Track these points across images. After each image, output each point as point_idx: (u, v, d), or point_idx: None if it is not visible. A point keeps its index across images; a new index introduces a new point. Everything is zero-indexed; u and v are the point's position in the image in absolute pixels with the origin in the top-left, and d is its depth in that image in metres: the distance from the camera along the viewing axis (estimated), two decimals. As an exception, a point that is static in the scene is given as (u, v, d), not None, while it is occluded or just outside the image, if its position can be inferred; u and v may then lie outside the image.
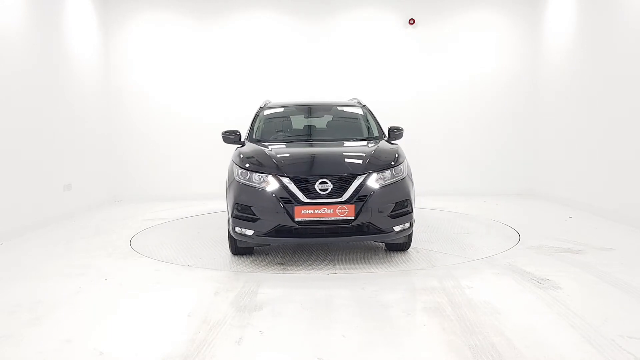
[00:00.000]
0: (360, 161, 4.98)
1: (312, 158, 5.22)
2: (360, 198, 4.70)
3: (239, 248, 5.27)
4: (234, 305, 3.86)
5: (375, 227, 4.75)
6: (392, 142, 5.88)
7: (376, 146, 5.39)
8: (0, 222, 6.23)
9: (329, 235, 4.81)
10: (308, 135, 6.32)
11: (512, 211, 7.94)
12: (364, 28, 9.80)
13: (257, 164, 5.00)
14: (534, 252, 5.31)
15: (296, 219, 4.65)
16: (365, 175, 4.79)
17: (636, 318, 3.53)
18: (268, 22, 9.79)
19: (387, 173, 4.92)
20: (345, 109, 6.78)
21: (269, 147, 5.45)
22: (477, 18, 9.75)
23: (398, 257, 5.20)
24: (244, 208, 4.84)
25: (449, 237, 6.14)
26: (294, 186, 4.72)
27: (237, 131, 5.89)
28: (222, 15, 9.78)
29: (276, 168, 4.87)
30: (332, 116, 6.67)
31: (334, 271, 4.77)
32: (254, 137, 6.05)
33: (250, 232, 4.81)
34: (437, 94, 9.82)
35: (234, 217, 4.91)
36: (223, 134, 5.87)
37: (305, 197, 4.68)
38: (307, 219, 4.65)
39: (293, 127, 6.54)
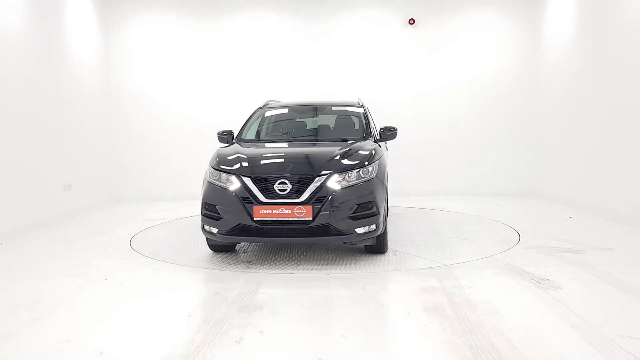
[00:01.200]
0: (323, 162, 4.91)
1: (277, 158, 5.27)
2: (319, 199, 4.67)
3: (213, 246, 5.41)
4: (234, 305, 3.86)
5: (335, 229, 4.70)
6: (381, 142, 5.85)
7: (349, 147, 5.31)
8: (0, 222, 6.23)
9: (289, 236, 4.82)
10: (294, 135, 6.36)
11: (512, 211, 7.94)
12: (364, 28, 9.80)
13: (226, 164, 5.12)
14: (534, 252, 5.31)
15: (255, 219, 4.69)
16: (325, 176, 4.75)
17: (636, 318, 3.53)
18: (268, 22, 9.79)
19: (353, 174, 4.84)
20: (339, 108, 6.71)
21: (246, 147, 5.54)
22: (477, 18, 9.75)
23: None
24: (210, 207, 4.96)
25: (444, 239, 6.14)
26: (254, 186, 4.78)
27: (231, 131, 6.09)
28: (222, 15, 9.78)
29: (240, 168, 4.97)
30: (323, 116, 6.63)
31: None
32: (241, 137, 6.16)
33: (215, 230, 4.92)
34: (437, 93, 9.82)
35: (202, 215, 5.06)
36: (219, 134, 6.08)
37: (264, 197, 4.73)
38: (265, 219, 4.69)
39: (280, 128, 6.56)
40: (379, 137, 5.97)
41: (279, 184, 4.73)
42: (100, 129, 9.32)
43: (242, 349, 3.13)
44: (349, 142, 5.58)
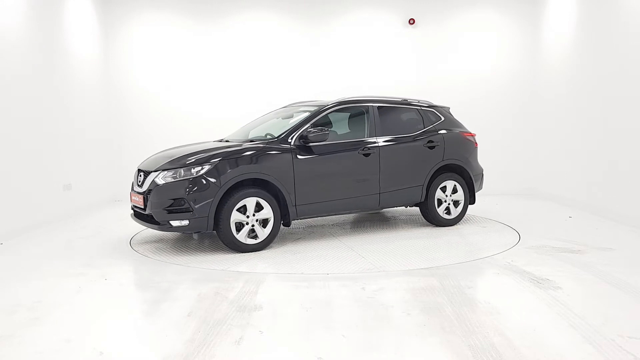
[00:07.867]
0: (165, 160, 5.56)
1: (157, 155, 6.00)
2: (150, 191, 5.40)
3: None
4: (234, 305, 3.87)
5: (154, 219, 5.37)
6: (311, 143, 5.65)
7: (213, 146, 5.74)
8: (0, 222, 6.23)
9: (143, 220, 5.58)
10: (255, 136, 6.34)
11: (512, 211, 7.94)
12: (364, 28, 9.79)
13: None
14: (534, 252, 5.31)
15: (131, 204, 5.84)
16: (158, 172, 5.43)
17: (636, 318, 3.53)
18: (268, 23, 9.78)
19: (181, 171, 5.33)
20: (304, 109, 6.40)
21: (191, 145, 6.17)
22: (477, 18, 9.75)
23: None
24: None
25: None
26: (135, 176, 5.84)
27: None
28: (223, 16, 9.77)
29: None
30: (291, 118, 6.46)
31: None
32: (226, 137, 6.70)
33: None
34: (437, 93, 9.77)
35: None
36: None
37: (137, 187, 5.70)
38: (132, 204, 5.82)
39: (246, 131, 6.61)
40: (305, 139, 5.63)
41: (139, 176, 5.69)
42: (101, 128, 9.31)
43: (242, 349, 3.13)
44: (255, 142, 5.71)
